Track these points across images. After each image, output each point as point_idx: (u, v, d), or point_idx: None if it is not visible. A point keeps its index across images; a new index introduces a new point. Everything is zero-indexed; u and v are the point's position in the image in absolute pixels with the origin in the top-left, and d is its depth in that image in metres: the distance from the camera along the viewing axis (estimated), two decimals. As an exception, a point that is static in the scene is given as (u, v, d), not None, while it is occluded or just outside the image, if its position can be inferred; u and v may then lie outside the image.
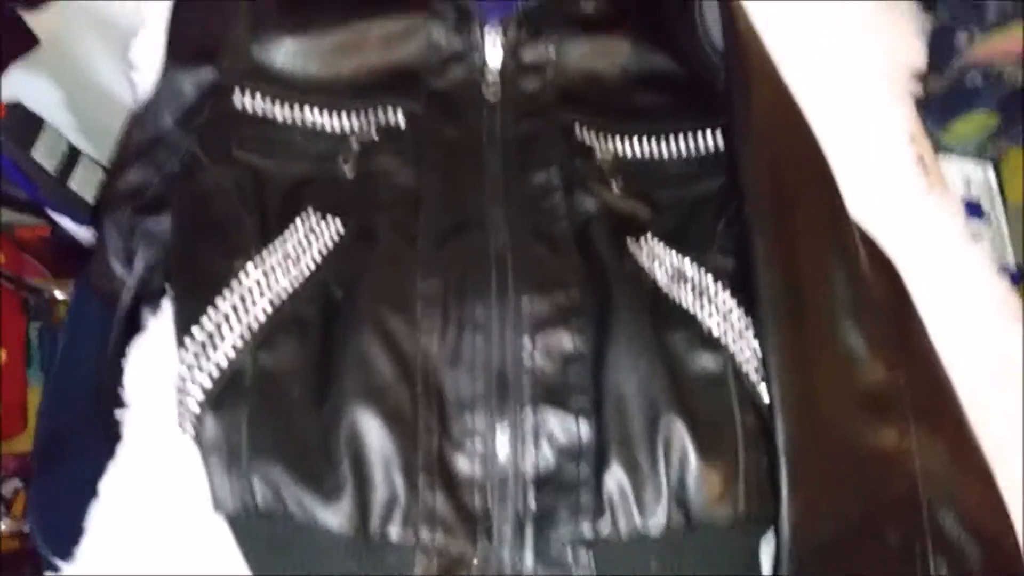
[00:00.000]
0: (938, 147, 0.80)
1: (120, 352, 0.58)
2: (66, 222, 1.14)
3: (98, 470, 0.55)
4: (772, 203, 0.54)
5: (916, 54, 0.70)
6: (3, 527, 0.92)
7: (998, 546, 0.49)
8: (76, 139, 1.16)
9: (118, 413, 0.55)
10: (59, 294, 1.13)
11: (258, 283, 0.50)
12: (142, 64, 0.73)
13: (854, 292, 0.53)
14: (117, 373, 0.57)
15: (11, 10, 0.94)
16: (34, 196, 1.05)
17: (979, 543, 0.48)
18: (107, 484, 0.53)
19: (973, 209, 0.81)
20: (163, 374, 0.52)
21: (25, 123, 1.00)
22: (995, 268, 0.62)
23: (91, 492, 0.54)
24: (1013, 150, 0.82)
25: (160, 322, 0.57)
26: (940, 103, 0.79)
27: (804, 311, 0.51)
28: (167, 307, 0.56)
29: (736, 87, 0.58)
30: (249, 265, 0.51)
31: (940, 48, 0.74)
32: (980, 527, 0.49)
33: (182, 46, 0.61)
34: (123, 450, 0.53)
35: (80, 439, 0.73)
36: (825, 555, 0.46)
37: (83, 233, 1.16)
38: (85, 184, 1.11)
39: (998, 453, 0.53)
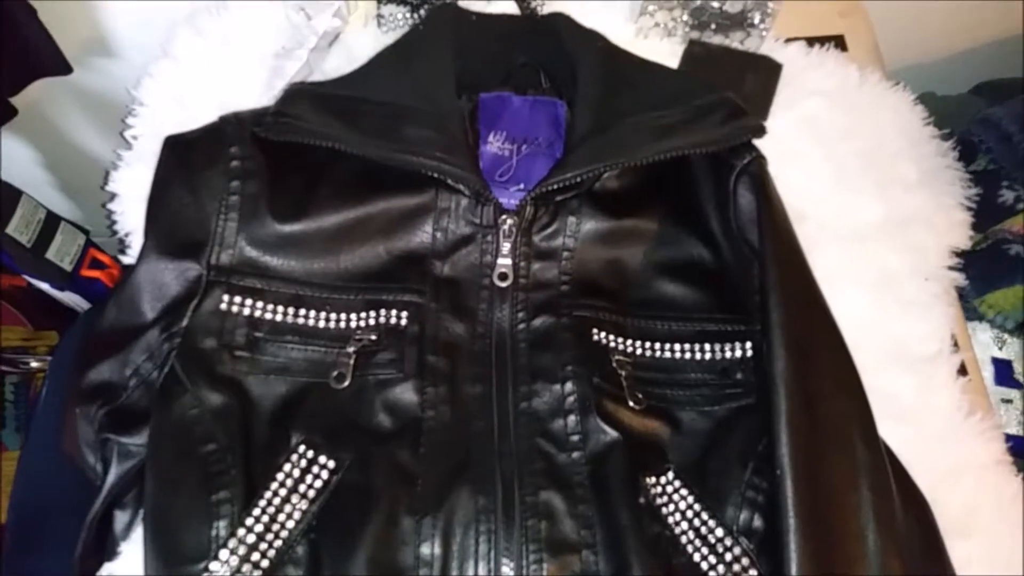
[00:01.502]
0: (973, 315, 0.76)
1: (90, 557, 0.54)
2: (44, 286, 1.10)
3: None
4: (804, 452, 0.49)
5: (961, 231, 0.65)
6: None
7: None
8: (55, 197, 1.11)
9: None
10: (35, 364, 1.08)
11: (240, 558, 0.46)
12: (125, 194, 0.67)
13: (884, 546, 0.49)
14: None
15: (-12, 85, 0.87)
16: (11, 265, 1.00)
17: None
18: None
19: (1004, 371, 0.77)
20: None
21: (2, 196, 0.95)
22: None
23: None
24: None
25: (131, 549, 0.52)
26: (979, 270, 0.74)
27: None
28: (138, 534, 0.52)
29: (771, 303, 0.53)
30: (232, 541, 0.46)
31: (984, 203, 0.69)
32: None
33: (164, 234, 0.55)
34: None
35: (57, 527, 0.71)
36: None
37: (63, 296, 1.11)
38: (64, 252, 1.07)
39: None
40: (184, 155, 0.56)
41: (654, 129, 0.57)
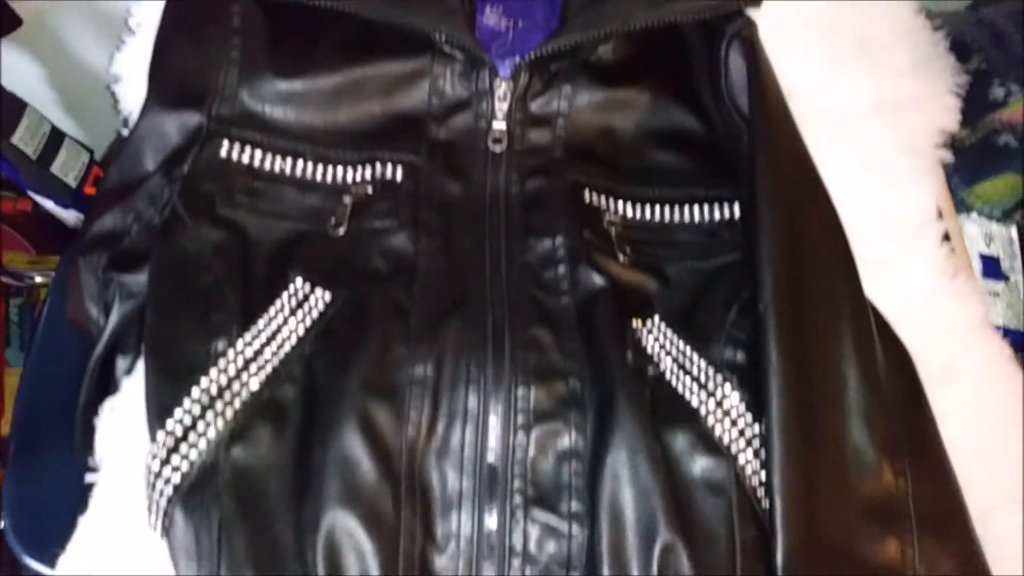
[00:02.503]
0: (961, 206, 0.77)
1: (92, 404, 0.55)
2: (49, 204, 1.10)
3: (77, 470, 0.53)
4: (789, 296, 0.51)
5: (950, 116, 0.66)
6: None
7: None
8: (59, 115, 1.12)
9: (89, 474, 0.53)
10: (39, 278, 1.10)
11: (237, 369, 0.47)
12: (127, 74, 0.69)
13: (867, 392, 0.51)
14: (89, 426, 0.54)
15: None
16: (15, 179, 1.01)
17: None
18: (74, 552, 0.51)
19: (991, 265, 0.78)
20: (135, 445, 0.49)
21: (6, 107, 0.96)
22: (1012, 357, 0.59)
23: (69, 491, 0.53)
24: (1038, 214, 0.79)
25: (134, 383, 0.54)
26: (967, 161, 0.75)
27: (814, 415, 0.49)
28: (141, 368, 0.53)
29: (759, 161, 0.54)
30: (230, 351, 0.48)
31: (974, 99, 0.70)
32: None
33: (166, 87, 0.56)
34: (91, 520, 0.51)
35: (59, 436, 0.72)
36: None
37: (66, 215, 1.12)
38: (68, 168, 1.07)
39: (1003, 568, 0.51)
40: (187, 12, 0.57)
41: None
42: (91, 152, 1.06)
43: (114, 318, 0.54)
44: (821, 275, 0.53)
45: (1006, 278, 0.78)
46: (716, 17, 0.59)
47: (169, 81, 0.56)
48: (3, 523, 0.89)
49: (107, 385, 0.57)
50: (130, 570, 0.48)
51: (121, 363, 0.57)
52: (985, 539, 0.51)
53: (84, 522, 0.51)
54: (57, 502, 0.55)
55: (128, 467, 0.50)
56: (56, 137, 1.03)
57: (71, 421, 0.58)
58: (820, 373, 0.50)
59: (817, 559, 0.46)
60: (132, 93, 0.67)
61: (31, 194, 1.07)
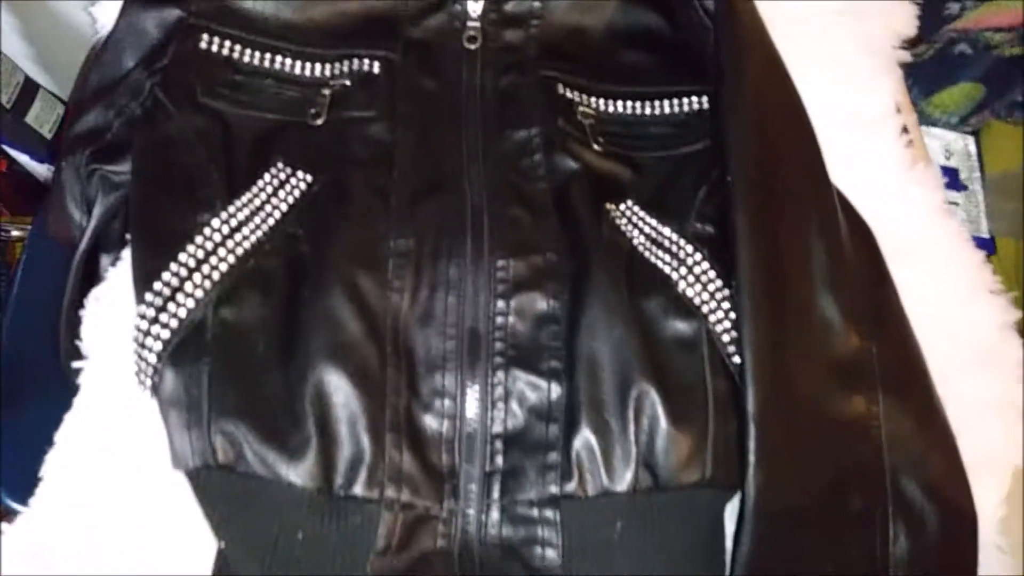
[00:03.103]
0: (921, 118, 0.80)
1: (77, 301, 0.56)
2: (23, 159, 1.10)
3: (57, 414, 0.53)
4: (756, 170, 0.53)
5: (907, 22, 0.69)
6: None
7: (957, 515, 0.50)
8: (33, 71, 1.11)
9: (75, 364, 0.53)
10: (16, 232, 1.09)
11: (223, 237, 0.48)
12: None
13: (832, 262, 0.53)
14: (74, 323, 0.55)
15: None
16: (-13, 133, 1.00)
17: (939, 511, 0.49)
18: (64, 435, 0.51)
19: (951, 178, 0.81)
20: (122, 326, 0.50)
21: (-25, 55, 0.95)
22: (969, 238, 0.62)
23: (50, 436, 0.52)
24: (995, 122, 0.81)
25: (119, 272, 0.55)
26: (925, 73, 0.78)
27: (782, 279, 0.51)
28: (126, 257, 0.54)
29: (726, 51, 0.56)
30: (215, 220, 0.49)
31: (929, 16, 0.73)
32: (941, 496, 0.49)
33: None
34: (80, 402, 0.52)
35: (39, 382, 0.72)
36: (789, 520, 0.47)
37: (41, 170, 1.12)
38: (43, 119, 1.07)
39: (963, 427, 0.53)
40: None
41: None
42: (65, 104, 1.06)
43: (98, 211, 0.55)
44: (787, 152, 0.55)
45: (965, 187, 0.81)
46: None
47: (148, -24, 0.57)
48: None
49: (91, 284, 0.58)
50: (121, 452, 0.49)
51: (105, 260, 0.58)
52: (945, 401, 0.53)
53: (74, 407, 0.52)
54: (39, 448, 0.56)
55: (114, 351, 0.51)
56: (30, 87, 1.03)
57: (53, 367, 0.59)
58: (786, 243, 0.52)
59: (786, 409, 0.48)
60: (109, 14, 0.68)
61: (5, 147, 1.07)
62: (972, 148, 0.82)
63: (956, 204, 0.80)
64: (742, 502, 0.46)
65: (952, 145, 0.81)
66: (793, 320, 0.50)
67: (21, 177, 1.14)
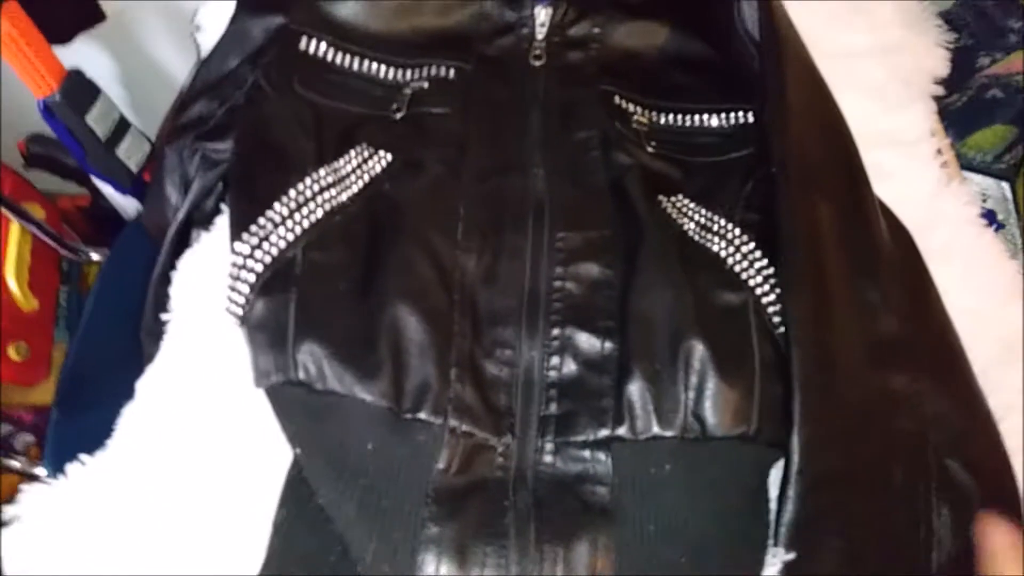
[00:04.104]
0: (957, 159, 0.83)
1: (169, 265, 0.61)
2: (108, 190, 1.18)
3: (112, 428, 0.55)
4: (799, 167, 0.57)
5: (940, 63, 0.74)
6: (17, 465, 0.93)
7: (1001, 493, 0.50)
8: (126, 113, 1.21)
9: (163, 317, 0.58)
10: (95, 255, 1.17)
11: (313, 194, 0.54)
12: (208, 26, 0.78)
13: (872, 253, 0.56)
14: (165, 283, 0.60)
15: (83, -17, 0.99)
16: (81, 162, 1.09)
17: (981, 488, 0.50)
18: (145, 381, 0.55)
19: (988, 219, 0.84)
20: (212, 278, 0.55)
21: (83, 89, 1.04)
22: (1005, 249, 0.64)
23: (99, 443, 0.54)
24: (1032, 163, 0.85)
25: (211, 236, 0.60)
26: (959, 118, 0.83)
27: (824, 265, 0.54)
28: (219, 224, 0.60)
29: (771, 66, 0.61)
30: (306, 179, 0.54)
31: (961, 69, 0.78)
32: (983, 473, 0.50)
33: None
34: (164, 347, 0.56)
35: (104, 389, 0.75)
36: (832, 484, 0.48)
37: (123, 202, 1.20)
38: (131, 153, 1.16)
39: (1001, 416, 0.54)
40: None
41: None
42: (152, 143, 1.15)
43: (196, 186, 0.61)
44: (828, 158, 0.59)
45: (1002, 226, 0.83)
46: None
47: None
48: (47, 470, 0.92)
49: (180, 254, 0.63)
50: (201, 407, 0.53)
51: (197, 233, 0.63)
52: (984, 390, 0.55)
53: (156, 362, 0.56)
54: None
55: (203, 304, 0.56)
56: (123, 124, 1.12)
57: (115, 386, 0.63)
58: (828, 233, 0.55)
59: (829, 375, 0.50)
60: (212, 18, 0.76)
61: (93, 178, 1.16)
62: (1008, 193, 0.85)
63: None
64: (786, 461, 0.48)
65: (988, 189, 0.84)
66: (835, 301, 0.53)
67: (102, 213, 1.22)
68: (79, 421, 0.87)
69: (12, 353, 1.02)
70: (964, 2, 0.85)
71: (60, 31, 0.98)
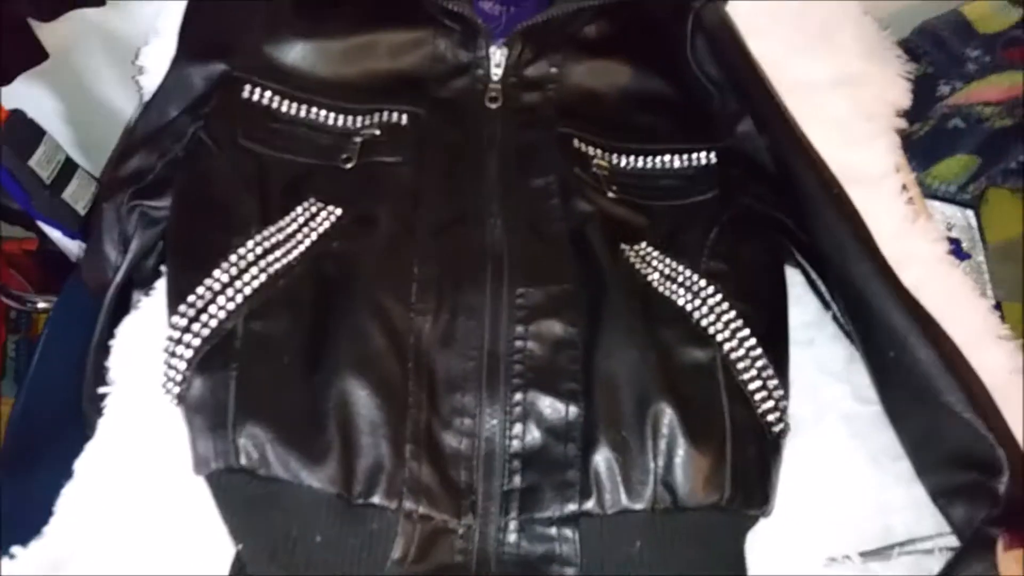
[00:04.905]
0: (921, 189, 0.83)
1: (108, 332, 0.58)
2: (56, 234, 1.14)
3: (63, 482, 0.53)
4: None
5: (902, 94, 0.73)
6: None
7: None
8: (73, 153, 1.17)
9: (102, 390, 0.54)
10: (42, 304, 1.12)
11: (256, 257, 0.51)
12: (152, 67, 0.75)
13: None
14: (103, 351, 0.57)
15: (23, 22, 0.96)
16: (26, 207, 1.05)
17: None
18: (84, 461, 0.52)
19: (955, 248, 0.84)
20: (151, 350, 0.52)
21: (26, 131, 1.00)
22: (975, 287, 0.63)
23: (52, 500, 0.52)
24: (994, 190, 0.85)
25: (152, 300, 0.57)
26: (922, 148, 0.82)
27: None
28: (159, 287, 0.56)
29: (759, 93, 0.60)
30: (249, 242, 0.51)
31: (922, 98, 0.78)
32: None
33: (195, 42, 0.62)
34: (104, 424, 0.52)
35: (51, 449, 0.72)
36: None
37: (71, 246, 1.16)
38: (78, 196, 1.12)
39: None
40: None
41: None
42: (99, 182, 1.11)
43: (134, 245, 0.58)
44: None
45: (968, 256, 0.83)
46: None
47: (198, 36, 0.62)
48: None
49: (121, 316, 0.60)
50: (142, 468, 0.49)
51: (136, 296, 0.60)
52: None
53: (100, 430, 0.52)
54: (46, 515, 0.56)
55: (142, 374, 0.52)
56: (69, 167, 1.08)
57: (66, 434, 0.60)
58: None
59: None
60: (154, 59, 0.73)
61: (40, 223, 1.11)
62: (973, 221, 0.85)
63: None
64: None
65: (953, 219, 0.84)
66: None
67: (50, 257, 1.18)
68: (23, 483, 0.83)
69: (-46, 410, 0.97)
70: (922, 30, 0.85)
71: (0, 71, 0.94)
